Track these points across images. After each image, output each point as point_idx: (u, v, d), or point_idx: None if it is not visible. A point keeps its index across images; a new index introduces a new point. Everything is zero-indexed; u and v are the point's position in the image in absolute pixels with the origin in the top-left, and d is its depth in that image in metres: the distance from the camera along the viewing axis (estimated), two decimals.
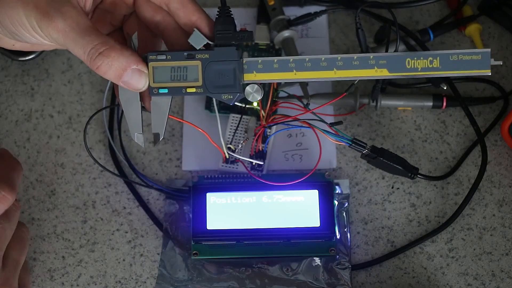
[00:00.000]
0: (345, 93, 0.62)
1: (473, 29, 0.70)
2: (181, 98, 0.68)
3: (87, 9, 0.52)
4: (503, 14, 0.70)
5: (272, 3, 0.68)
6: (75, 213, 0.65)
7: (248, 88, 0.52)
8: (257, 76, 0.51)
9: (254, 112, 0.66)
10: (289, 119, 0.60)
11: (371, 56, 0.50)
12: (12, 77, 0.70)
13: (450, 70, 0.50)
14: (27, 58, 0.69)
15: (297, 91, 0.63)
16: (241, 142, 0.65)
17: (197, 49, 0.51)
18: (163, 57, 0.51)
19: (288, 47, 0.66)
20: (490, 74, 0.51)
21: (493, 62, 0.50)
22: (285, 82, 0.64)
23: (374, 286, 0.62)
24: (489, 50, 0.50)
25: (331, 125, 0.59)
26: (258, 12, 0.71)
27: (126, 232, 0.64)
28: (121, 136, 0.67)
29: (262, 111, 0.62)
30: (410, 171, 0.62)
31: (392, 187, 0.65)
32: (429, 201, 0.65)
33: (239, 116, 0.65)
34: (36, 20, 0.49)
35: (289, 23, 0.68)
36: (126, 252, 0.64)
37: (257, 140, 0.64)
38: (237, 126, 0.65)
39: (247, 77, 0.51)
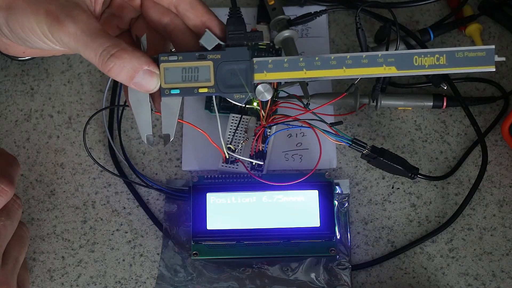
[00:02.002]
0: (345, 93, 0.62)
1: (473, 29, 0.70)
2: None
3: (97, 12, 0.52)
4: (503, 14, 0.70)
5: (272, 2, 0.68)
6: (75, 213, 0.65)
7: (259, 87, 0.52)
8: (267, 76, 0.52)
9: (254, 112, 0.66)
10: (289, 119, 0.60)
11: (380, 54, 0.51)
12: (11, 77, 0.70)
13: (456, 67, 0.51)
14: (27, 58, 0.69)
15: (297, 91, 0.63)
16: (241, 142, 0.65)
17: (209, 49, 0.51)
18: (175, 58, 0.51)
19: (288, 47, 0.66)
20: (494, 70, 0.51)
21: (496, 58, 0.51)
22: (285, 82, 0.64)
23: (374, 286, 0.62)
24: (493, 46, 0.51)
25: (331, 125, 0.59)
26: (258, 11, 0.71)
27: (126, 232, 0.64)
28: (121, 136, 0.67)
29: (262, 111, 0.62)
30: (410, 171, 0.62)
31: (392, 187, 0.65)
32: (430, 201, 0.65)
33: (239, 116, 0.65)
34: (46, 26, 0.49)
35: (289, 23, 0.68)
36: (126, 252, 0.64)
37: (257, 140, 0.64)
38: (237, 126, 0.65)
39: (258, 76, 0.52)
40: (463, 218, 0.64)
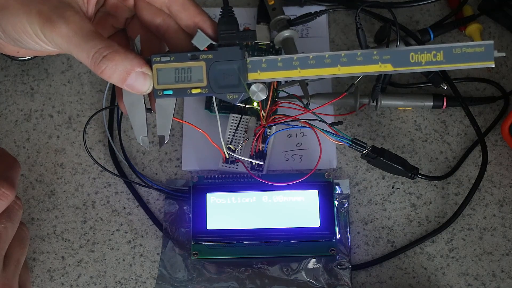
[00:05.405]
0: (345, 93, 0.62)
1: (473, 29, 0.70)
2: (181, 98, 0.68)
3: (90, 13, 0.52)
4: (503, 14, 0.70)
5: (272, 2, 0.68)
6: (75, 213, 0.65)
7: (253, 87, 0.52)
8: (261, 75, 0.51)
9: (254, 112, 0.66)
10: (289, 119, 0.60)
11: (375, 52, 0.50)
12: (11, 77, 0.70)
13: (454, 63, 0.50)
14: (27, 58, 0.69)
15: (297, 91, 0.63)
16: (241, 142, 0.65)
17: (201, 50, 0.51)
18: (167, 58, 0.51)
19: (288, 47, 0.66)
20: (494, 66, 0.50)
21: (496, 53, 0.50)
22: (285, 82, 0.64)
23: (374, 286, 0.62)
24: (492, 42, 0.50)
25: (331, 125, 0.59)
26: (258, 11, 0.71)
27: (126, 232, 0.64)
28: (121, 136, 0.67)
29: (262, 111, 0.62)
30: (410, 171, 0.62)
31: (392, 187, 0.65)
32: (429, 201, 0.65)
33: (239, 116, 0.65)
34: (39, 27, 0.49)
35: (289, 23, 0.68)
36: (126, 252, 0.64)
37: (257, 140, 0.64)
38: (237, 126, 0.65)
39: (252, 76, 0.51)
40: (463, 218, 0.64)
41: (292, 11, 0.70)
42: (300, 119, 0.60)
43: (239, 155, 0.64)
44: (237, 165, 0.65)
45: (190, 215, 0.63)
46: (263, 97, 0.52)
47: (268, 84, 0.53)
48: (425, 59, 0.50)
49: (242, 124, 0.65)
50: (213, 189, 0.63)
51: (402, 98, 0.66)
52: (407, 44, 0.67)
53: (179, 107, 0.68)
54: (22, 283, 0.57)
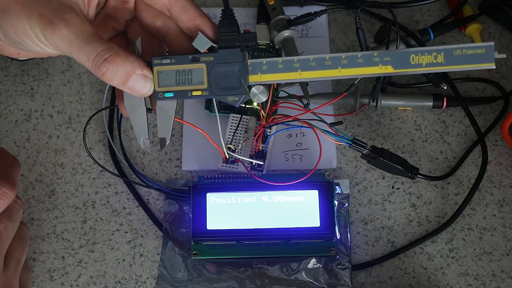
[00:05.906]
0: (345, 93, 0.62)
1: (473, 29, 0.70)
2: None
3: (90, 16, 0.52)
4: (503, 14, 0.70)
5: (272, 2, 0.68)
6: (75, 213, 0.65)
7: (254, 90, 0.52)
8: (262, 77, 0.51)
9: (254, 112, 0.66)
10: (289, 119, 0.60)
11: (376, 54, 0.50)
12: (11, 77, 0.70)
13: (455, 65, 0.50)
14: (27, 58, 0.69)
15: (297, 91, 0.63)
16: (241, 142, 0.65)
17: (201, 52, 0.51)
18: (168, 61, 0.51)
19: (288, 47, 0.66)
20: (494, 67, 0.50)
21: (497, 55, 0.49)
22: (285, 82, 0.63)
23: (374, 286, 0.62)
24: (492, 43, 0.50)
25: (331, 125, 0.59)
26: (258, 11, 0.71)
27: (126, 232, 0.64)
28: (121, 136, 0.67)
29: (262, 111, 0.62)
30: (411, 171, 0.62)
31: (392, 187, 0.65)
32: (429, 201, 0.65)
33: (239, 116, 0.65)
34: (40, 29, 0.49)
35: (289, 23, 0.68)
36: (126, 252, 0.64)
37: (257, 140, 0.64)
38: (237, 126, 0.65)
39: (252, 78, 0.51)
40: (463, 218, 0.64)
41: (292, 11, 0.70)
42: (300, 119, 0.60)
43: (239, 155, 0.64)
44: (237, 165, 0.65)
45: (190, 215, 0.63)
46: (264, 99, 0.52)
47: (268, 85, 0.53)
48: (425, 60, 0.50)
49: (242, 124, 0.65)
50: (213, 189, 0.63)
51: (402, 98, 0.66)
52: (407, 44, 0.67)
53: (179, 107, 0.68)
54: (22, 282, 0.57)
